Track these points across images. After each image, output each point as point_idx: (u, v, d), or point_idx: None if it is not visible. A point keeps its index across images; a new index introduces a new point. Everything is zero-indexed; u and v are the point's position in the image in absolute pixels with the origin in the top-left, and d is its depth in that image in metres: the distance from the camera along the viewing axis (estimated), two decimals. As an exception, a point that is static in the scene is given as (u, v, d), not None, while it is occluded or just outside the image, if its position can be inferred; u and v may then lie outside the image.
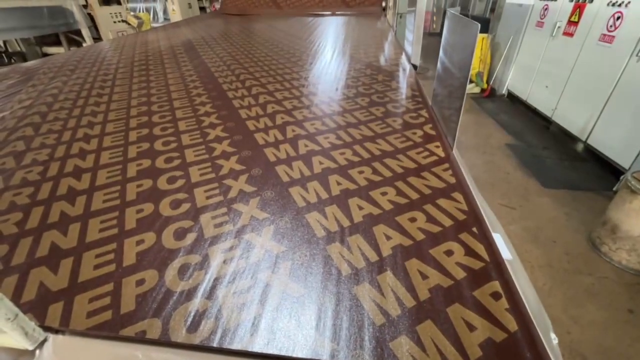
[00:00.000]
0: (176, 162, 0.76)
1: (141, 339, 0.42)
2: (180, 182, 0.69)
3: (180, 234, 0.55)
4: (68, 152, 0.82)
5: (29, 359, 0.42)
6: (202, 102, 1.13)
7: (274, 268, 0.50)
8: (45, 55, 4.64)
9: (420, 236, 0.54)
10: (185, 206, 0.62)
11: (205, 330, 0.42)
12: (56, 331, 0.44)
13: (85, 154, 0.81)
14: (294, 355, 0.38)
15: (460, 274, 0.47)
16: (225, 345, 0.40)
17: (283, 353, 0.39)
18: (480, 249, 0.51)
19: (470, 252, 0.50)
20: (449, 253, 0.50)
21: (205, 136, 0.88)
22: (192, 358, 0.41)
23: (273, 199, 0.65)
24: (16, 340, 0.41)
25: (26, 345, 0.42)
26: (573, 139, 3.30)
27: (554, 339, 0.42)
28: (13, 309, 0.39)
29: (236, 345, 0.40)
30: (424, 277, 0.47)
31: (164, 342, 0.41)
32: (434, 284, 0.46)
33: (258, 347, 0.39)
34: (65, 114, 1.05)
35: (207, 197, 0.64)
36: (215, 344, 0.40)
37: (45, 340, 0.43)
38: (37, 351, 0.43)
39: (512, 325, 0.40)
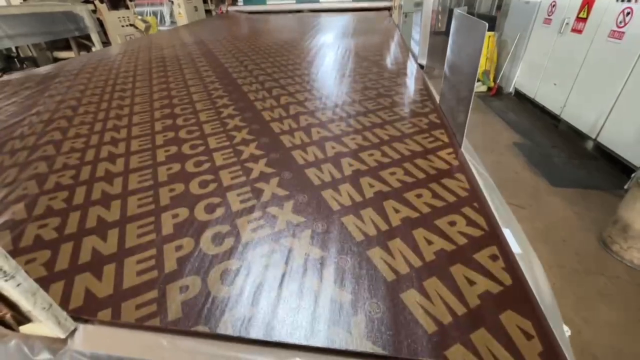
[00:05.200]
0: (206, 166, 0.77)
1: (166, 328, 0.44)
2: (212, 186, 0.70)
3: (218, 239, 0.56)
4: (97, 156, 0.84)
5: (61, 346, 0.45)
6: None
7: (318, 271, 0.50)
8: (56, 60, 4.75)
9: (462, 240, 0.53)
10: (220, 210, 0.62)
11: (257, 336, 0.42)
12: (85, 321, 0.47)
13: (114, 157, 0.83)
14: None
15: (507, 280, 0.46)
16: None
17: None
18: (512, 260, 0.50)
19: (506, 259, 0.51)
20: (494, 258, 0.50)
21: (232, 139, 0.91)
22: (215, 347, 0.43)
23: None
24: (50, 328, 0.43)
25: (59, 333, 0.44)
26: (582, 136, 3.25)
27: (567, 331, 0.43)
28: (47, 299, 0.42)
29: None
30: (471, 283, 0.46)
31: (189, 331, 0.43)
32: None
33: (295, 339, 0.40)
34: (91, 117, 1.09)
35: (241, 202, 0.65)
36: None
37: (75, 330, 0.46)
38: (69, 339, 0.45)
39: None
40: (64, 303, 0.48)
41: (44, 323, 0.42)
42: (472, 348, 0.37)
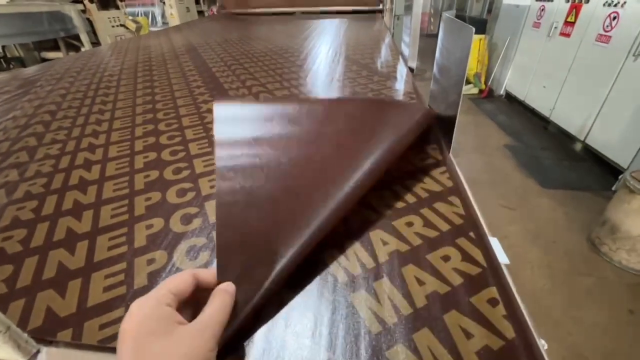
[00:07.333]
0: (185, 173, 0.74)
1: (134, 350, 0.41)
2: (190, 195, 0.67)
3: (192, 252, 0.53)
4: (73, 163, 0.81)
5: (21, 371, 0.42)
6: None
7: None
8: (44, 60, 4.65)
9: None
10: (197, 221, 0.59)
11: None
12: (49, 342, 0.44)
13: (90, 164, 0.80)
14: None
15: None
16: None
17: None
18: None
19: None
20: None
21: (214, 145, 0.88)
22: (186, 369, 0.40)
23: None
24: (8, 353, 0.40)
25: (18, 358, 0.41)
26: (571, 138, 3.30)
27: (544, 345, 0.41)
28: (5, 322, 0.39)
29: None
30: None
31: (158, 352, 0.41)
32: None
33: (253, 357, 0.39)
34: (70, 122, 1.05)
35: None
36: None
37: (38, 352, 0.43)
38: (30, 363, 0.42)
39: None
40: (22, 323, 0.44)
41: (1, 347, 0.40)
42: None
